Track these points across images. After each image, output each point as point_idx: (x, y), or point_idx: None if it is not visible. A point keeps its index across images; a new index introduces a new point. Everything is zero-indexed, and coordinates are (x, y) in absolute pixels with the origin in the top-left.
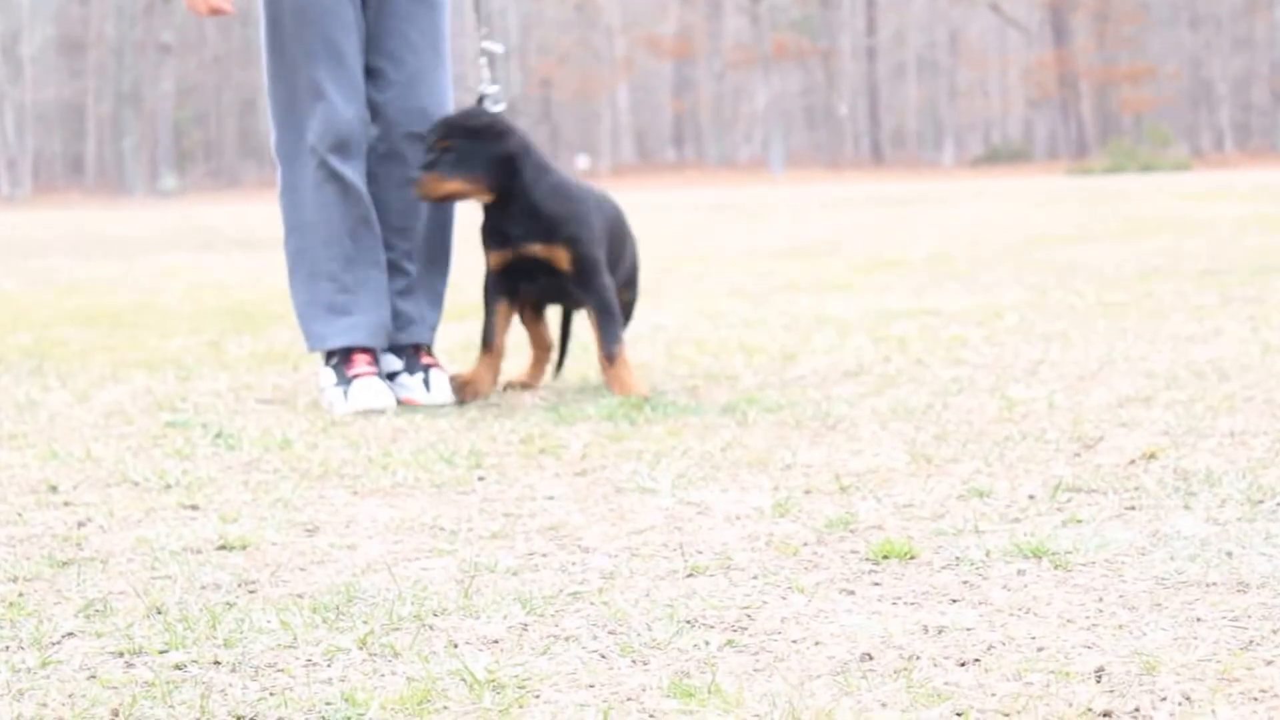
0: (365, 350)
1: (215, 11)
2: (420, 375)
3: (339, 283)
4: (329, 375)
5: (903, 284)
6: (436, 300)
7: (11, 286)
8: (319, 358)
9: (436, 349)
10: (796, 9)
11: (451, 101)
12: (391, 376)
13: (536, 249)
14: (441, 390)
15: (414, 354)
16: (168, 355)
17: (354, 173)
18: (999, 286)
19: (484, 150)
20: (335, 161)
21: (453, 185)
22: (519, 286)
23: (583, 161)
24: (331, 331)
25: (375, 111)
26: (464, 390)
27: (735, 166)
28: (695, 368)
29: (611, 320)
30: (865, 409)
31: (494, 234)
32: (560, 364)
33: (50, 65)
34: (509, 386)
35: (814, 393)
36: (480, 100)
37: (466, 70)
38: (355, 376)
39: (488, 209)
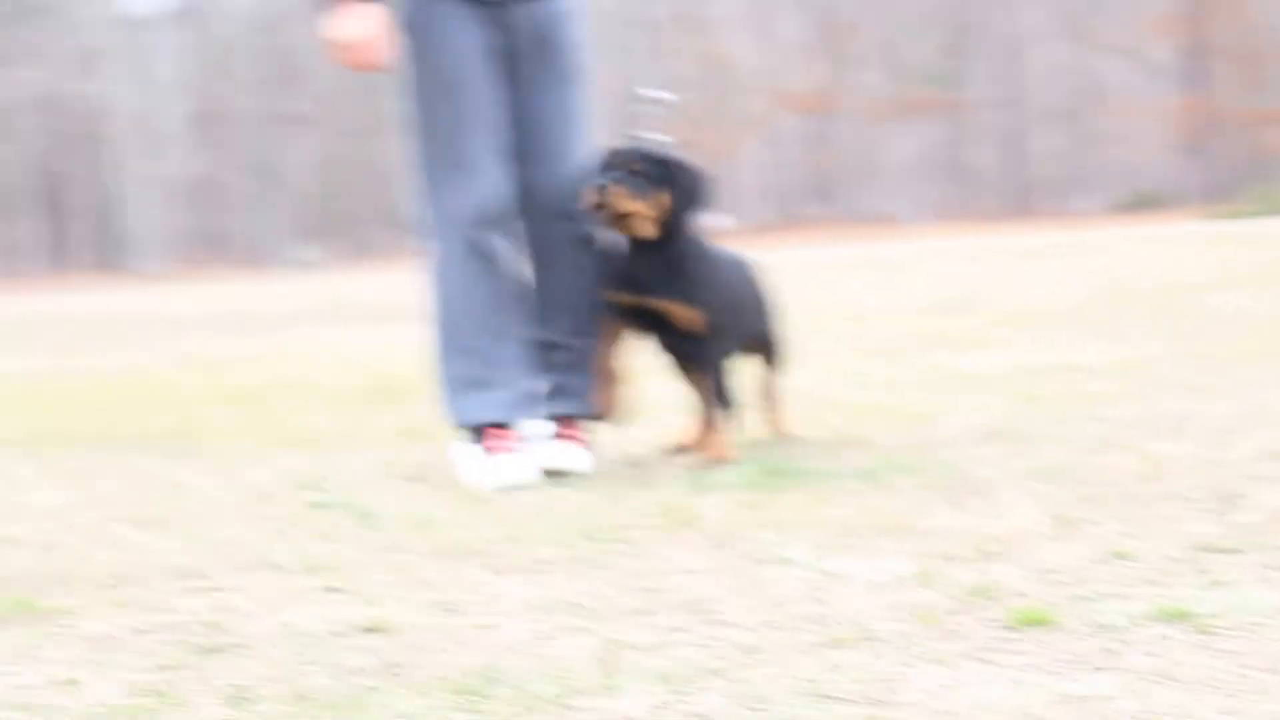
0: (507, 426)
1: (364, 67)
2: (556, 447)
3: (482, 357)
4: (470, 451)
5: (1045, 337)
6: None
7: (157, 366)
8: (461, 433)
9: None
10: (933, 61)
11: None
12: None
13: (673, 305)
14: (568, 461)
15: (562, 424)
16: (310, 433)
17: (499, 246)
18: (1142, 337)
19: (668, 185)
20: (480, 235)
21: (636, 206)
22: (638, 330)
23: (723, 221)
24: (473, 407)
25: (527, 192)
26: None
27: (874, 221)
28: (834, 431)
29: (723, 389)
30: (1005, 470)
31: (622, 276)
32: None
33: (189, 140)
34: (679, 450)
35: (953, 454)
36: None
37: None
38: (496, 452)
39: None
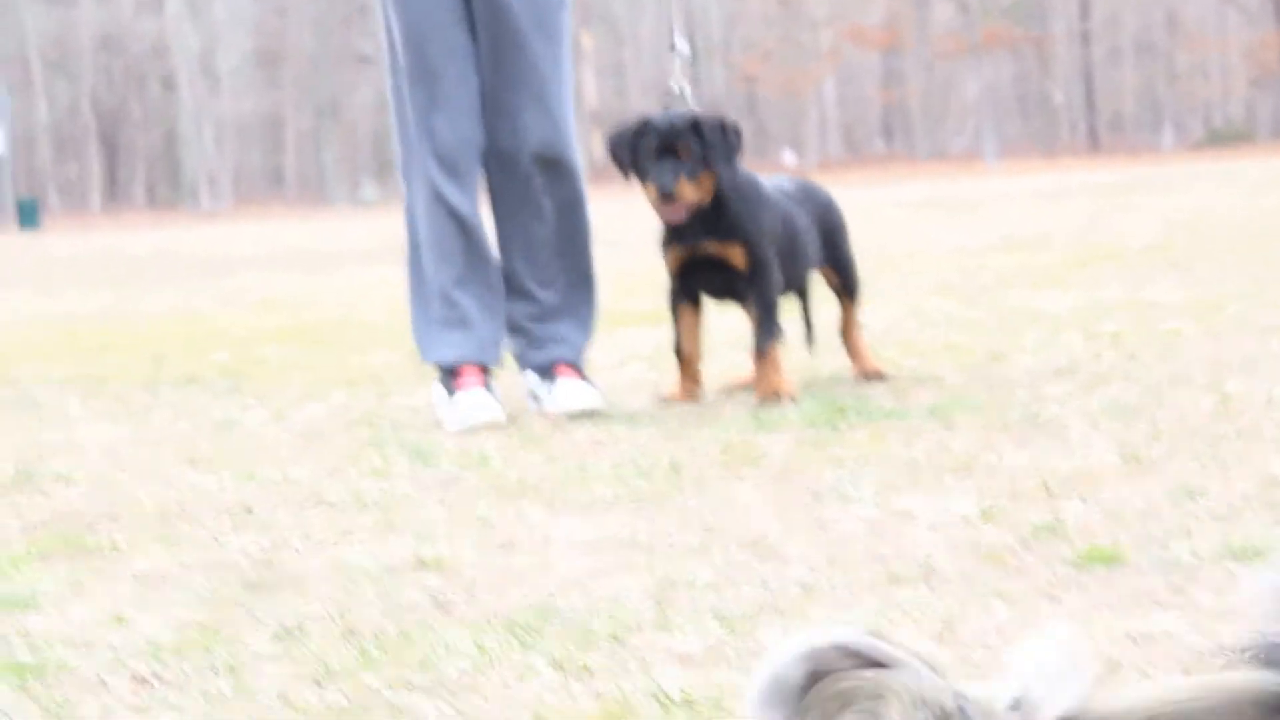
0: (476, 366)
1: None
2: (549, 385)
3: (449, 299)
4: (440, 391)
5: (1119, 276)
6: (582, 324)
7: (211, 305)
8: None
9: (600, 359)
10: None
11: (574, 126)
12: (538, 399)
13: (713, 247)
14: (568, 398)
15: (550, 369)
16: (367, 371)
17: (460, 194)
18: (1219, 277)
19: (708, 153)
20: (442, 182)
21: (698, 190)
22: (699, 290)
23: (789, 157)
24: (440, 346)
25: (499, 139)
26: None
27: (947, 158)
28: (901, 369)
29: (770, 319)
30: (1075, 408)
31: (673, 233)
32: (810, 340)
33: (248, 78)
34: (731, 388)
35: (1022, 393)
36: (674, 98)
37: (660, 68)
38: (461, 390)
39: None
